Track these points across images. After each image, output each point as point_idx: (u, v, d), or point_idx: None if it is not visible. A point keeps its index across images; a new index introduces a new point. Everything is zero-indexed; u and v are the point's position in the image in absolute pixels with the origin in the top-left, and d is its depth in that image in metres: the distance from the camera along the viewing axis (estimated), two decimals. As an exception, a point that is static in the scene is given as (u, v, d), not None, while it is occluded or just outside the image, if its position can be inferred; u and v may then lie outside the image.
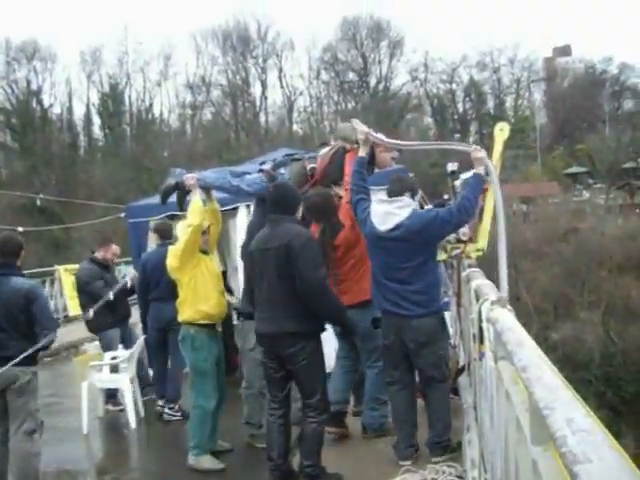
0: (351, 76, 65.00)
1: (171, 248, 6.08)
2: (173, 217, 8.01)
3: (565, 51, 74.43)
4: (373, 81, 65.14)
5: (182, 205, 6.15)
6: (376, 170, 5.91)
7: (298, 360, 4.68)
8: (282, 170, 6.03)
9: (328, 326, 5.10)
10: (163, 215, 8.27)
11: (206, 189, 6.06)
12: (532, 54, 67.17)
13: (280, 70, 63.66)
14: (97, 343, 9.20)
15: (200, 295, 5.72)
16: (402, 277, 4.81)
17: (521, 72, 67.38)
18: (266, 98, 63.58)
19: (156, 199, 9.38)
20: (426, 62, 64.91)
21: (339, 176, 5.74)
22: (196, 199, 5.84)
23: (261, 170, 6.07)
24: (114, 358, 7.69)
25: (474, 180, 4.82)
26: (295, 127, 63.79)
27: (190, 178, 5.96)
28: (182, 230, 5.89)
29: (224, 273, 7.80)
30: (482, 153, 4.77)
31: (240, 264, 7.09)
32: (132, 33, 71.17)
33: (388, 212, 4.83)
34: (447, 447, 4.87)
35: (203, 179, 6.03)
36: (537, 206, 40.93)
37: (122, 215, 10.21)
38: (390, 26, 64.24)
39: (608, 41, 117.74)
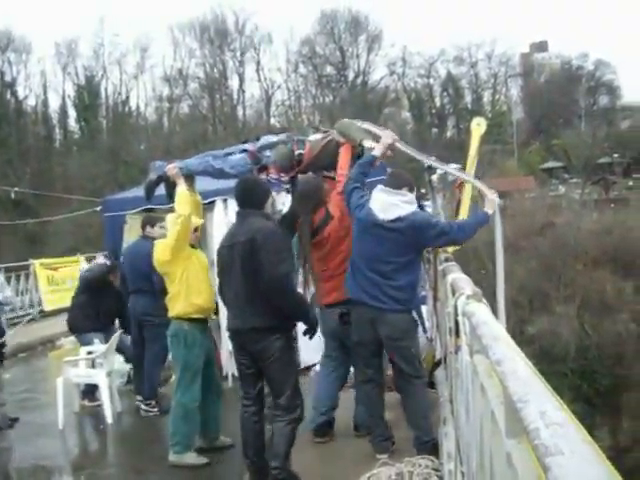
0: (329, 70, 65.03)
1: (159, 242, 5.97)
2: (150, 210, 7.97)
3: (542, 47, 75.10)
4: (351, 75, 65.22)
5: (172, 196, 6.03)
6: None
7: (266, 356, 4.60)
8: (267, 152, 5.84)
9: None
10: (140, 209, 8.22)
11: (189, 179, 5.98)
12: (509, 49, 67.71)
13: (258, 63, 63.55)
14: (73, 338, 9.15)
15: (193, 288, 5.63)
16: (386, 271, 4.77)
17: (498, 67, 67.82)
18: (244, 91, 63.45)
19: (133, 192, 9.36)
20: (404, 56, 65.15)
21: (329, 164, 5.63)
22: (182, 189, 5.74)
23: (245, 150, 5.92)
24: (90, 353, 7.63)
25: (483, 217, 4.89)
26: (273, 120, 63.59)
27: (172, 168, 5.86)
28: (171, 222, 5.79)
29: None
30: (496, 198, 4.86)
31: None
32: (108, 25, 70.26)
33: (392, 203, 4.76)
34: (435, 445, 4.79)
35: (185, 166, 5.94)
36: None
37: (98, 209, 10.13)
38: (368, 20, 64.41)
39: (584, 38, 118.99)
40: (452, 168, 5.33)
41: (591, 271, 25.86)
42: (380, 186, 4.91)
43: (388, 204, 4.77)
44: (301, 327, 5.03)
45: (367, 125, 5.42)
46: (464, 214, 5.25)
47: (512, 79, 69.30)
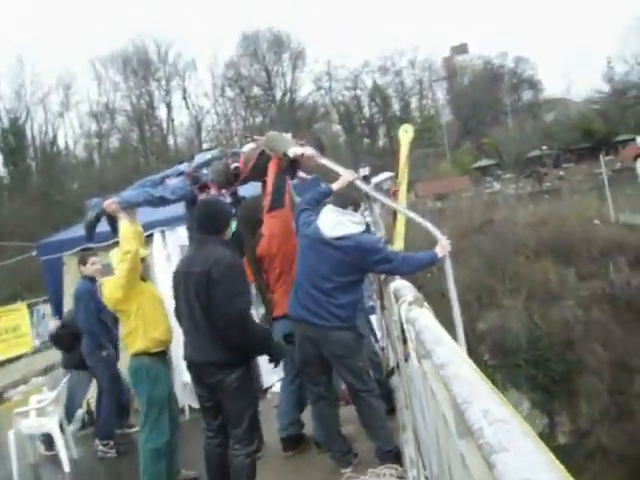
0: (256, 91, 65.29)
1: (108, 280, 5.78)
2: (87, 249, 7.82)
3: (462, 49, 76.74)
4: (279, 94, 65.62)
5: (116, 230, 5.91)
6: (295, 181, 5.83)
7: (223, 387, 4.46)
8: (204, 170, 5.72)
9: None
10: (78, 249, 8.06)
11: (130, 211, 5.84)
12: (431, 55, 69.58)
13: (184, 91, 63.45)
14: (21, 388, 8.90)
15: (150, 322, 5.45)
16: (327, 288, 4.73)
17: (422, 73, 69.28)
18: (173, 120, 63.26)
19: (68, 233, 9.17)
20: (329, 70, 65.95)
21: (263, 174, 5.57)
22: (124, 223, 5.52)
23: (181, 173, 5.80)
24: (40, 401, 7.43)
25: (431, 257, 4.72)
26: (205, 146, 63.38)
27: (110, 204, 5.62)
28: (119, 259, 5.58)
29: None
30: (448, 244, 4.71)
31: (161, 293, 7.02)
32: (28, 64, 68.99)
33: (341, 222, 4.72)
34: (398, 453, 4.77)
35: (124, 200, 5.80)
36: (451, 201, 41.89)
37: (34, 253, 9.88)
38: (290, 38, 65.00)
39: (502, 37, 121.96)
40: (385, 177, 5.38)
41: (533, 263, 26.43)
42: (330, 205, 4.88)
43: (337, 222, 4.74)
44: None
45: (327, 162, 5.23)
46: (401, 222, 5.28)
47: (437, 83, 70.78)
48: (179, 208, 6.44)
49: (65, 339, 7.65)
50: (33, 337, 17.01)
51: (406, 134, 5.39)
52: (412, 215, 4.95)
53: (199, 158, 5.88)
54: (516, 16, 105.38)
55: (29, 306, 17.29)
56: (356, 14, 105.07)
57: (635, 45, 62.73)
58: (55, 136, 59.50)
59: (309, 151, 5.08)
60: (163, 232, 7.78)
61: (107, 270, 8.99)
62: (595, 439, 21.07)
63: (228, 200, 5.81)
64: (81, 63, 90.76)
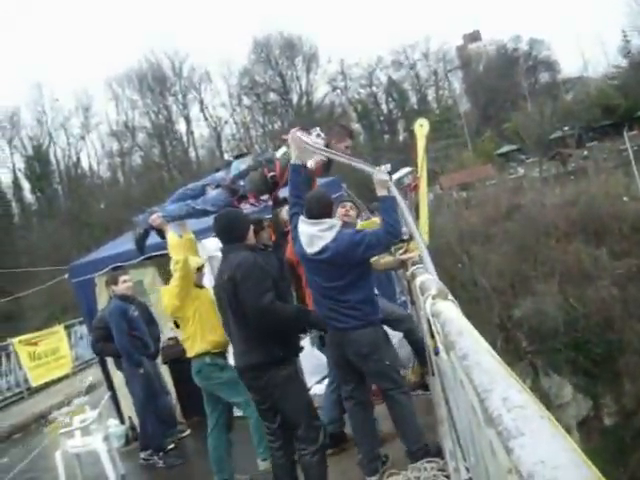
0: (272, 96, 65.43)
1: (165, 289, 6.09)
2: (118, 268, 7.92)
3: (475, 36, 76.22)
4: (295, 98, 65.71)
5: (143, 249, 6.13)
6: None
7: (270, 392, 4.51)
8: (241, 182, 5.75)
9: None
10: (108, 268, 8.16)
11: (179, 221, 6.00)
12: (444, 45, 68.85)
13: (201, 103, 63.82)
14: (65, 409, 9.00)
15: (207, 326, 5.76)
16: (334, 294, 4.77)
17: (436, 64, 68.88)
18: (192, 133, 63.65)
19: (98, 253, 9.30)
20: (343, 70, 65.88)
21: None
22: (170, 236, 5.85)
23: (218, 186, 5.86)
24: (84, 421, 7.53)
25: (384, 204, 4.63)
26: (226, 156, 63.61)
27: (155, 218, 5.85)
28: (172, 268, 5.89)
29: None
30: (385, 176, 4.56)
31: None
32: (47, 90, 70.24)
33: (313, 235, 4.75)
34: (428, 452, 4.78)
35: (168, 214, 5.91)
36: (476, 190, 41.59)
37: (66, 276, 10.01)
38: (302, 41, 65.08)
39: (515, 20, 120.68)
40: (405, 172, 5.37)
41: (565, 245, 26.16)
42: (302, 217, 4.88)
43: (311, 236, 4.76)
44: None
45: (356, 163, 5.11)
46: (424, 215, 5.28)
47: (452, 73, 70.39)
48: (206, 220, 6.50)
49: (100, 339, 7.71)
50: (72, 358, 17.22)
51: (421, 128, 5.40)
52: (343, 159, 4.89)
53: (234, 168, 5.84)
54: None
55: (66, 327, 17.49)
56: (365, 11, 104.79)
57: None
58: (78, 159, 60.53)
59: (313, 163, 5.08)
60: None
61: (139, 287, 9.11)
62: (642, 417, 20.83)
63: (270, 204, 5.90)
64: (97, 84, 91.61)
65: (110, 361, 8.11)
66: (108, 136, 61.91)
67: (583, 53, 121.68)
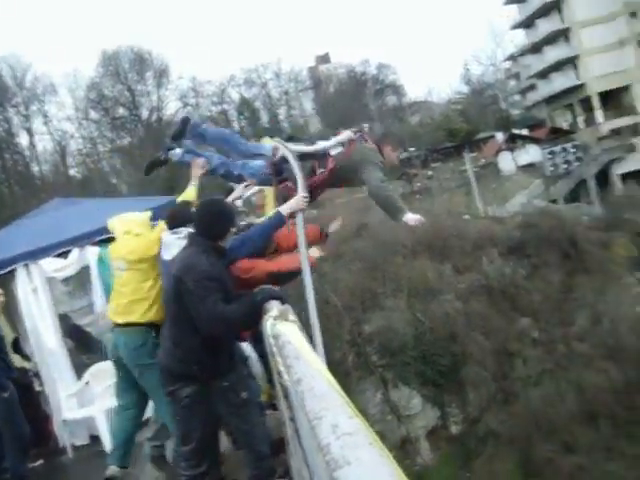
0: (121, 111, 63.76)
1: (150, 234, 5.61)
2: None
3: (326, 59, 78.22)
4: (145, 113, 64.36)
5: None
6: None
7: (175, 400, 4.31)
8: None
9: None
10: None
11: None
12: (296, 65, 70.06)
13: (45, 116, 61.05)
14: None
15: None
16: None
17: (288, 83, 69.81)
18: (34, 146, 60.64)
19: None
20: (195, 87, 65.29)
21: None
22: (192, 190, 5.46)
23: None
24: None
25: (274, 220, 4.56)
26: (72, 172, 61.40)
27: (201, 166, 5.53)
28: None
29: (16, 339, 7.22)
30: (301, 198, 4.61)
31: (30, 328, 6.65)
32: None
33: (170, 243, 4.73)
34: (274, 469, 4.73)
35: (214, 168, 5.61)
36: (325, 209, 42.29)
37: None
38: (152, 56, 63.89)
39: (364, 45, 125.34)
40: (254, 191, 5.34)
41: (411, 261, 27.04)
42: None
43: (169, 245, 4.76)
44: None
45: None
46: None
47: (304, 93, 71.62)
48: (41, 240, 6.14)
49: None
50: None
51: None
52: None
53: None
54: (375, 24, 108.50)
55: None
56: (218, 29, 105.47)
57: (488, 48, 66.36)
58: None
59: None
60: (27, 265, 7.38)
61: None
62: (485, 425, 21.75)
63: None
64: None
65: None
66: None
67: (427, 78, 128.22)
